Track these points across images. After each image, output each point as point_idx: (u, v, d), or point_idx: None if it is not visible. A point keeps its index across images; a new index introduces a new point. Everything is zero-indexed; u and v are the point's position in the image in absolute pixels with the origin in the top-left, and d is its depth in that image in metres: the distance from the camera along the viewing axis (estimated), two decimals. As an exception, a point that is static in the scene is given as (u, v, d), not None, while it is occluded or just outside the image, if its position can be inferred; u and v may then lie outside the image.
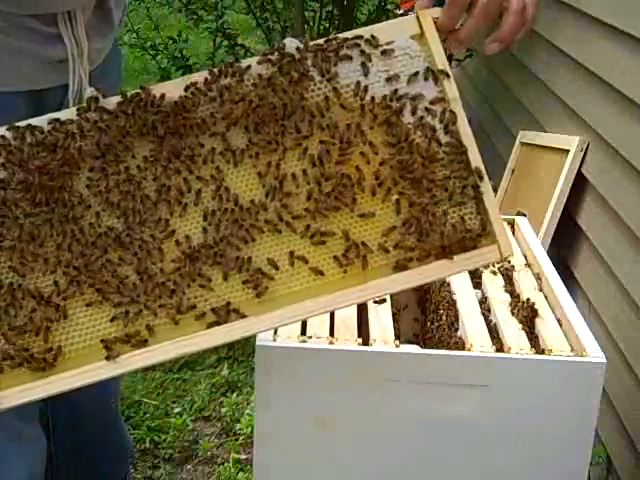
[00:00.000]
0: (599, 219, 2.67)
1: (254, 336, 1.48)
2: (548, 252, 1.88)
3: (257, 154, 1.24)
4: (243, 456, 2.46)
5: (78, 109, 1.25)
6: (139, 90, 1.25)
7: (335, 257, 1.21)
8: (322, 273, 1.21)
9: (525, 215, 2.07)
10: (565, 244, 2.91)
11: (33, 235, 1.22)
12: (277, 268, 1.21)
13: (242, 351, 2.97)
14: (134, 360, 1.20)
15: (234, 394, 2.72)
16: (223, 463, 2.45)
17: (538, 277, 1.73)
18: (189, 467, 2.46)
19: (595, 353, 1.44)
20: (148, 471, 2.43)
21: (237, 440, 2.53)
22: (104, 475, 2.03)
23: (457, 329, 1.61)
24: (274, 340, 1.47)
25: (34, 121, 1.25)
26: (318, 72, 1.26)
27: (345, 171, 1.23)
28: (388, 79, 1.26)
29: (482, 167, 1.24)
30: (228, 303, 1.20)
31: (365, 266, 1.21)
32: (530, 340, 1.51)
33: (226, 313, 1.20)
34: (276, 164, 1.24)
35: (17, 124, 1.24)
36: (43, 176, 1.23)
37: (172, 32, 4.85)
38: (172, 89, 1.26)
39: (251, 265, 1.21)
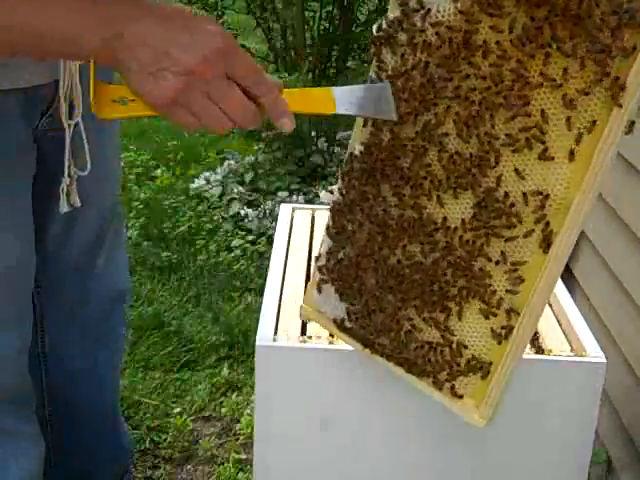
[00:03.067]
0: (599, 219, 2.67)
1: (254, 336, 1.49)
2: (548, 252, 1.88)
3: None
4: (243, 456, 2.46)
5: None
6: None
7: None
8: None
9: (525, 215, 2.06)
10: (565, 244, 2.91)
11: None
12: None
13: (242, 351, 2.97)
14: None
15: (234, 394, 2.72)
16: (223, 463, 2.44)
17: (538, 277, 1.73)
18: (189, 467, 2.46)
19: (595, 353, 1.44)
20: (148, 471, 2.42)
21: (237, 440, 2.53)
22: (102, 474, 2.03)
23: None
24: (274, 340, 1.47)
25: None
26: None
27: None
28: None
29: None
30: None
31: None
32: (530, 340, 1.51)
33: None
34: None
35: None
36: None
37: (172, 32, 4.85)
38: None
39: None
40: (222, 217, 4.02)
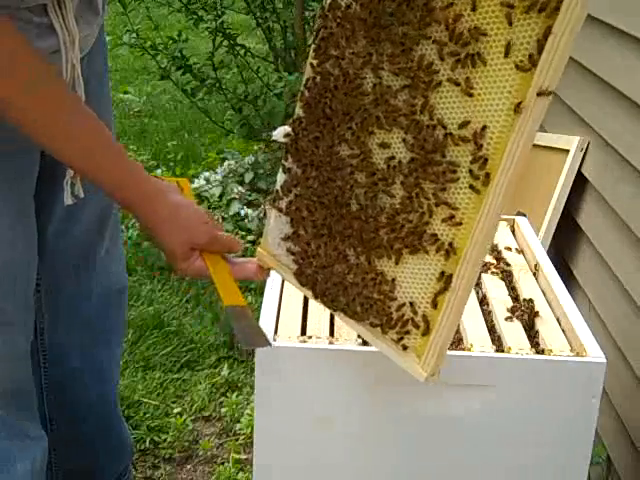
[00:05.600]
0: (599, 219, 2.67)
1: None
2: (548, 252, 1.88)
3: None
4: (243, 456, 2.46)
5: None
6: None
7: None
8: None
9: (525, 215, 2.07)
10: (565, 244, 2.91)
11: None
12: None
13: (242, 351, 2.97)
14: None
15: (234, 394, 2.72)
16: (223, 463, 2.44)
17: (538, 277, 1.73)
18: (189, 467, 2.46)
19: (595, 353, 1.44)
20: (148, 471, 2.43)
21: (237, 440, 2.53)
22: (103, 471, 2.03)
23: (457, 329, 1.61)
24: (274, 340, 1.47)
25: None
26: None
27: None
28: None
29: None
30: None
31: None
32: (530, 340, 1.51)
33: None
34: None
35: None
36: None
37: (172, 32, 4.85)
38: None
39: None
40: (222, 217, 4.02)
